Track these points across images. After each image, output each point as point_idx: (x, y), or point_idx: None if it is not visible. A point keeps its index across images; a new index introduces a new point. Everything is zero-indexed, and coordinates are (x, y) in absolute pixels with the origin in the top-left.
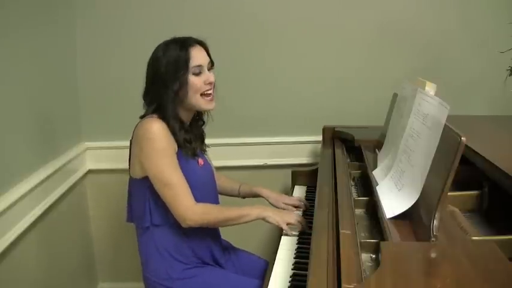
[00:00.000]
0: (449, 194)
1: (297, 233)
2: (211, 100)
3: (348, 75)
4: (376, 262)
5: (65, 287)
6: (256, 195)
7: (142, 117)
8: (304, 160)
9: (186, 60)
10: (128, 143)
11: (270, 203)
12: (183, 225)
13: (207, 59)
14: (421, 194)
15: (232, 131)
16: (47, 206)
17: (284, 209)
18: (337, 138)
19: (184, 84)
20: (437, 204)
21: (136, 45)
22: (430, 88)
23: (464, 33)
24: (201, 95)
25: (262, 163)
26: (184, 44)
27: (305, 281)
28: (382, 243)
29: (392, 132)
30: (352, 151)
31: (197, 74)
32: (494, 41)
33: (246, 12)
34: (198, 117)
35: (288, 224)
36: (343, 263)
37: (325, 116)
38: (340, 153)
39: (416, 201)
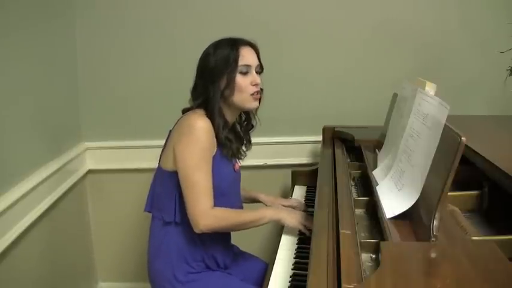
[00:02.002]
0: (449, 194)
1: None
2: (255, 99)
3: (348, 75)
4: (376, 262)
5: (65, 287)
6: (253, 200)
7: (185, 110)
8: (304, 160)
9: (235, 59)
10: (127, 143)
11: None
12: (196, 229)
13: (256, 61)
14: (421, 194)
15: None
16: (47, 205)
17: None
18: (337, 138)
19: (230, 81)
20: (437, 204)
21: (136, 45)
22: (430, 88)
23: (464, 33)
24: (249, 95)
25: (262, 163)
26: (235, 43)
27: (305, 281)
28: (382, 243)
29: (392, 132)
30: (352, 151)
31: (244, 74)
32: (494, 41)
33: (245, 14)
34: (247, 121)
35: (303, 225)
36: (343, 263)
37: (325, 116)
38: (340, 153)
39: (416, 201)
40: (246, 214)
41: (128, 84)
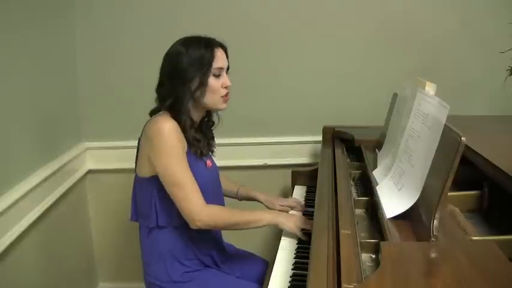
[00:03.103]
0: (449, 194)
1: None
2: (225, 101)
3: (348, 75)
4: (376, 262)
5: (65, 287)
6: (252, 199)
7: (152, 112)
8: (304, 160)
9: (210, 61)
10: (127, 143)
11: (266, 206)
12: (192, 226)
13: (227, 63)
14: (421, 194)
15: (232, 131)
16: (47, 206)
17: (287, 212)
18: (337, 138)
19: (204, 83)
20: (437, 204)
21: (136, 46)
22: (430, 88)
23: (464, 33)
24: (220, 97)
25: (262, 163)
26: (208, 43)
27: (305, 281)
28: (382, 243)
29: (392, 132)
30: (352, 151)
31: (217, 76)
32: (494, 41)
33: (246, 13)
34: (208, 118)
35: (302, 229)
36: (343, 263)
37: (325, 116)
38: (340, 153)
39: (416, 201)
40: (244, 214)
41: (128, 84)
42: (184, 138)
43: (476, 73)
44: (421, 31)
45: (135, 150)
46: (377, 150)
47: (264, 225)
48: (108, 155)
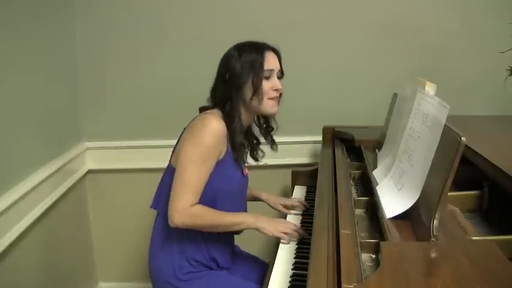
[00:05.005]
0: (449, 194)
1: (295, 241)
2: (275, 104)
3: (348, 75)
4: (376, 262)
5: (65, 287)
6: (255, 199)
7: (203, 109)
8: (304, 160)
9: (261, 63)
10: (127, 143)
11: (269, 205)
12: (170, 223)
13: (278, 66)
14: (421, 194)
15: None
16: (47, 206)
17: (278, 218)
18: (337, 138)
19: (255, 86)
20: (437, 204)
21: (136, 45)
22: (430, 88)
23: (465, 33)
24: (268, 99)
25: (262, 163)
26: (260, 47)
27: (305, 281)
28: (382, 243)
29: (392, 132)
30: (352, 151)
31: (267, 78)
32: (494, 41)
33: (246, 14)
34: (266, 123)
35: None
36: (343, 263)
37: (325, 116)
38: (340, 153)
39: (416, 201)
40: (225, 216)
41: (128, 84)
42: (222, 145)
43: (477, 73)
44: (421, 31)
45: (135, 150)
46: (377, 150)
47: (244, 229)
48: (108, 155)
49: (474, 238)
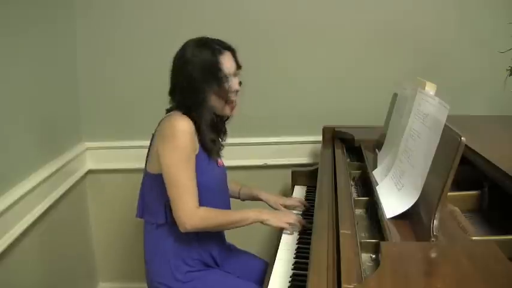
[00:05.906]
0: (449, 194)
1: (297, 231)
2: (233, 108)
3: (348, 75)
4: (376, 262)
5: (65, 287)
6: (255, 199)
7: (169, 110)
8: (304, 160)
9: (219, 69)
10: (127, 143)
11: (269, 205)
12: (181, 229)
13: (234, 66)
14: (421, 194)
15: (232, 131)
16: (47, 206)
17: (280, 210)
18: (337, 138)
19: (215, 94)
20: (437, 204)
21: (136, 45)
22: (430, 88)
23: (464, 33)
24: (226, 102)
25: (262, 163)
26: (215, 50)
27: (305, 281)
28: (382, 243)
29: (392, 132)
30: (352, 151)
31: (226, 82)
32: (494, 41)
33: (246, 13)
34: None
35: (287, 223)
36: (343, 263)
37: (325, 116)
38: (340, 153)
39: (416, 201)
40: (231, 214)
41: (128, 84)
42: (196, 140)
43: (476, 73)
44: (421, 31)
45: (135, 150)
46: (377, 150)
47: (250, 223)
48: (108, 155)
49: (474, 238)
